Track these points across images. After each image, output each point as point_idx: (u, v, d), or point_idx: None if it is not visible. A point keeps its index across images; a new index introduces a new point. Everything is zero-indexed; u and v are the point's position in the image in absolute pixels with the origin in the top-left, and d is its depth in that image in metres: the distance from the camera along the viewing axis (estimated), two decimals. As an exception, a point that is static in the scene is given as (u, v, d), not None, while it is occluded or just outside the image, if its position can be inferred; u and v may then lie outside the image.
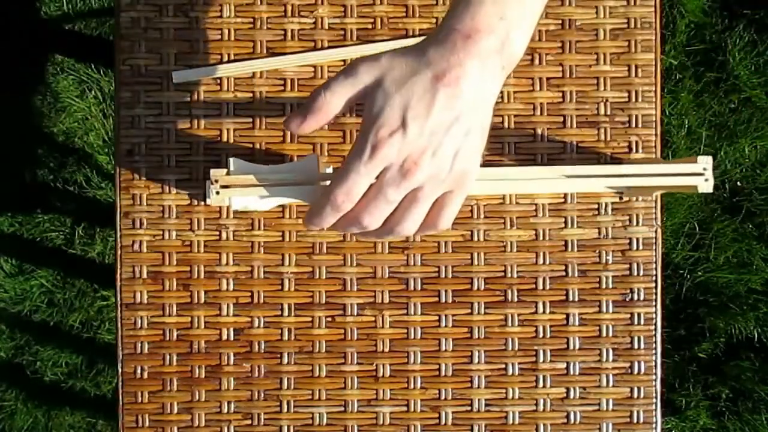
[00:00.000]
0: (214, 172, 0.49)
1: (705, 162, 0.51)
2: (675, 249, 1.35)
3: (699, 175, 0.51)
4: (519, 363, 0.62)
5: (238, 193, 0.48)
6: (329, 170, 0.53)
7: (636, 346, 0.62)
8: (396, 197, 0.39)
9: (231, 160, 0.50)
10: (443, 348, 0.61)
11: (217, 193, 0.49)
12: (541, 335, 0.62)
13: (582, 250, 0.62)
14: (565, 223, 0.62)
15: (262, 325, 0.61)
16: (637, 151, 0.62)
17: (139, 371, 0.61)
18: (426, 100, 0.38)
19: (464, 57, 0.38)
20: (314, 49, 0.61)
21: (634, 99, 0.62)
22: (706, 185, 0.52)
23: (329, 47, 0.61)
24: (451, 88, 0.38)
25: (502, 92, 0.60)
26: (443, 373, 0.61)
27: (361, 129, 0.39)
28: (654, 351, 0.62)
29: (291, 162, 0.60)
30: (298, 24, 0.61)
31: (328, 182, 0.44)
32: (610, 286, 0.62)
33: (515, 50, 0.39)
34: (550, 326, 0.62)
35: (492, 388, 0.62)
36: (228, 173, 0.49)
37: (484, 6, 0.38)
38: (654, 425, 0.62)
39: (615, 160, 0.62)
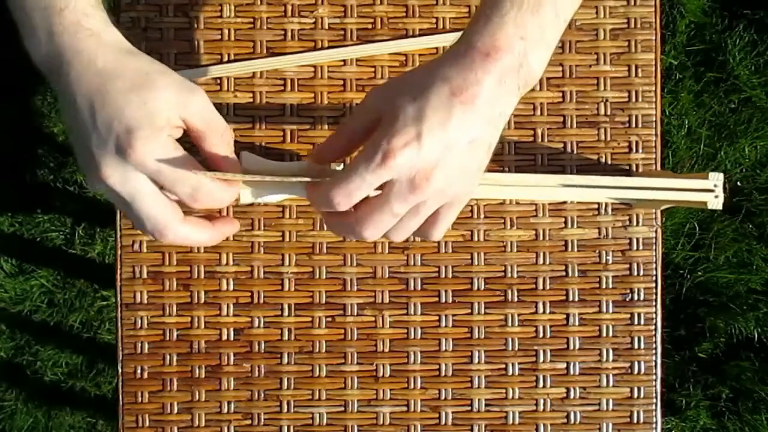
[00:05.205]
0: None
1: (716, 179, 0.52)
2: (675, 249, 1.35)
3: (709, 191, 0.52)
4: (519, 363, 0.62)
5: (251, 188, 0.47)
6: (340, 167, 0.52)
7: (636, 346, 0.62)
8: (402, 211, 0.39)
9: (242, 154, 0.48)
10: (443, 348, 0.61)
11: None
12: (541, 335, 0.62)
13: (582, 250, 0.62)
14: (565, 223, 0.62)
15: (262, 325, 0.61)
16: (637, 151, 0.62)
17: (139, 371, 0.61)
18: (442, 115, 0.37)
19: (482, 75, 0.37)
20: (314, 49, 0.61)
21: (634, 99, 0.62)
22: (716, 202, 0.52)
23: (329, 47, 0.61)
24: (468, 106, 0.37)
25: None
26: (443, 373, 0.61)
27: (373, 136, 0.38)
28: (654, 351, 0.62)
29: (302, 161, 0.59)
30: (298, 24, 0.61)
31: None
32: (610, 286, 0.62)
33: (533, 70, 0.39)
34: (550, 326, 0.62)
35: (492, 388, 0.62)
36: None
37: (506, 25, 0.37)
38: (654, 425, 0.62)
39: (623, 172, 0.62)
